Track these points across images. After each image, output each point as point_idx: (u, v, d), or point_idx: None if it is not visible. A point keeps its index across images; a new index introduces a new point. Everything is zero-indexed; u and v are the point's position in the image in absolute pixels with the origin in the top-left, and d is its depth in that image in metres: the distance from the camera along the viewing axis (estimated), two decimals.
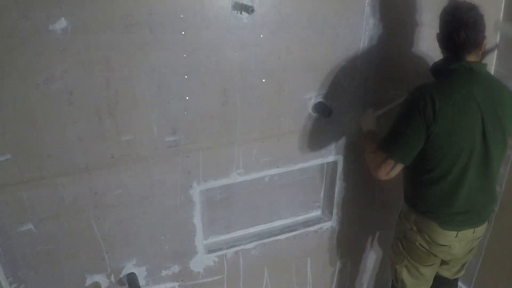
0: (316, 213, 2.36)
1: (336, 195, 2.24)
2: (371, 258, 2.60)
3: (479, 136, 1.67)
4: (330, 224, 2.32)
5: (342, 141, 2.11)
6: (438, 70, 1.75)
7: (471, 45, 1.64)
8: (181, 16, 1.57)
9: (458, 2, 1.69)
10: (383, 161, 1.73)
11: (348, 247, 2.46)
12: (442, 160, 1.71)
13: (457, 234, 1.81)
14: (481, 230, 1.87)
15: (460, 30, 1.62)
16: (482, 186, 1.77)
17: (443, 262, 2.02)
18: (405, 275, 2.01)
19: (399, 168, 1.74)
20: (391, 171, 1.74)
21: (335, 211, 2.29)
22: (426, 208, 1.82)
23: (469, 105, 1.65)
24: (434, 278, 2.08)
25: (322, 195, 2.32)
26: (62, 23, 1.42)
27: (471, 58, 1.67)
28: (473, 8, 1.64)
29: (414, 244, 1.90)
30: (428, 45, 2.03)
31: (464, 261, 2.05)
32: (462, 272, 2.12)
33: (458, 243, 1.84)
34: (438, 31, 1.72)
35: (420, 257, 1.93)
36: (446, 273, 2.09)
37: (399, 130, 1.70)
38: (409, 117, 1.67)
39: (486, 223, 1.88)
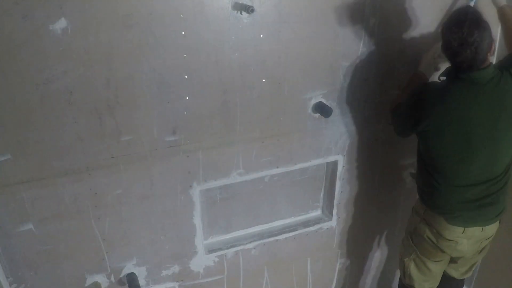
0: (316, 213, 2.36)
1: (336, 195, 2.24)
2: (372, 258, 2.59)
3: (478, 142, 1.68)
4: (330, 224, 2.32)
5: (342, 141, 2.11)
6: (447, 74, 1.76)
7: (476, 66, 1.61)
8: (181, 16, 1.57)
9: (460, 17, 1.58)
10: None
11: (348, 247, 2.46)
12: (437, 160, 1.76)
13: (464, 230, 1.82)
14: (490, 229, 1.87)
15: (463, 63, 1.60)
16: (488, 188, 1.77)
17: (452, 261, 2.03)
18: (412, 269, 2.04)
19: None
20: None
21: (335, 211, 2.29)
22: (434, 202, 1.85)
23: (463, 113, 1.66)
24: (442, 277, 2.09)
25: (322, 195, 2.32)
26: (62, 23, 1.42)
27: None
28: (477, 27, 1.54)
29: (422, 237, 1.92)
30: (428, 45, 2.03)
31: (473, 261, 2.06)
32: (470, 273, 2.13)
33: (466, 240, 1.85)
34: (442, 44, 1.66)
35: (427, 251, 1.95)
36: (454, 272, 2.10)
37: (400, 107, 1.90)
38: (408, 104, 1.83)
39: (497, 222, 1.89)
